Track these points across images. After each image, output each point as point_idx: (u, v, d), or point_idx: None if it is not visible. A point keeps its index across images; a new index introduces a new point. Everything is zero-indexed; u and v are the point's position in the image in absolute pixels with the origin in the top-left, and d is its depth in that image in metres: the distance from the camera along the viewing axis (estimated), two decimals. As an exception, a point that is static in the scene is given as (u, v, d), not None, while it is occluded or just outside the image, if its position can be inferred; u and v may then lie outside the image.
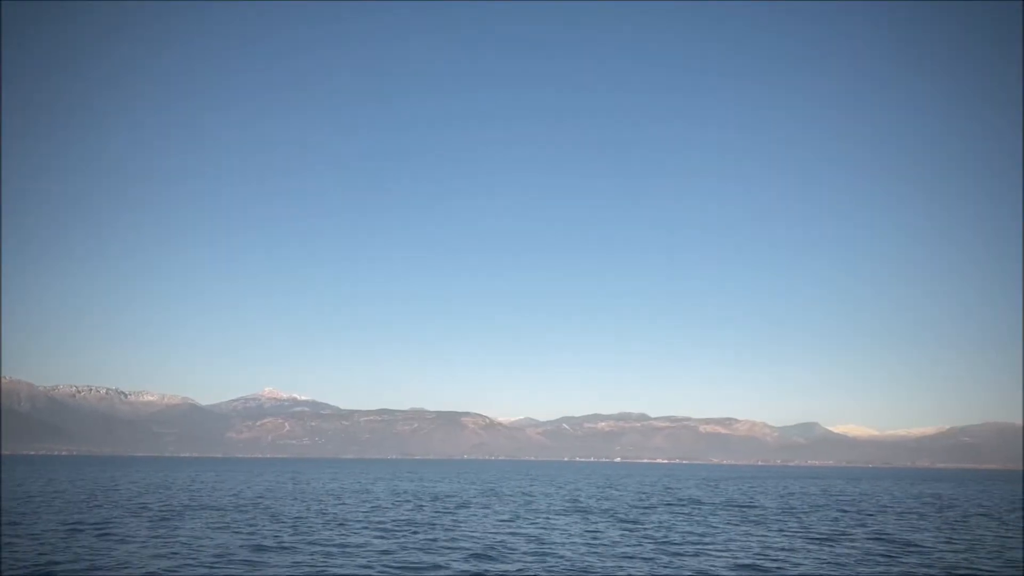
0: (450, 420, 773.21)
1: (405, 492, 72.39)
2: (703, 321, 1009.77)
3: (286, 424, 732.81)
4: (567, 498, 66.10)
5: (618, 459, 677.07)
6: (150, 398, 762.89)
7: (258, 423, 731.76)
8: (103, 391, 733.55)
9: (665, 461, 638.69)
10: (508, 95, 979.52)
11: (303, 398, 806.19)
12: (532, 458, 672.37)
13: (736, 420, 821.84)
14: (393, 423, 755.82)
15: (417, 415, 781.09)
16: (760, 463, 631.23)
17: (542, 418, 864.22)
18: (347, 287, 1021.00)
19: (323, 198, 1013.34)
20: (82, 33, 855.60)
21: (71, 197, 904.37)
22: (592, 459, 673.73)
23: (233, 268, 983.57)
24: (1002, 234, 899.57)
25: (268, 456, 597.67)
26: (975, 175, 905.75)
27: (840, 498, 75.07)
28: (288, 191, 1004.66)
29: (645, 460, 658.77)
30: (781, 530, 40.39)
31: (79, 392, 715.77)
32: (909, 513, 55.38)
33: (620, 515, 48.23)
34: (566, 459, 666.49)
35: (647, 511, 52.15)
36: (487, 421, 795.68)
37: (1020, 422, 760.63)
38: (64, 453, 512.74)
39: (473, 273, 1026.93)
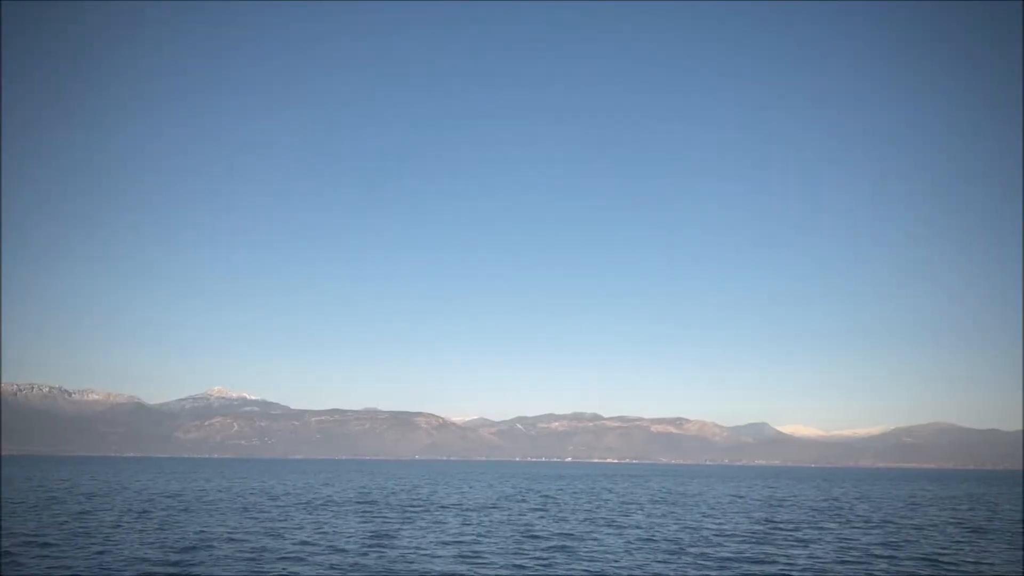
0: (403, 420, 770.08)
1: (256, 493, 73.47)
2: (660, 322, 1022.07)
3: (235, 424, 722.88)
4: (406, 498, 67.78)
5: (569, 459, 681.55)
6: (95, 397, 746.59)
7: (206, 423, 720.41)
8: (46, 389, 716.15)
9: (615, 461, 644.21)
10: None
11: (253, 398, 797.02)
12: (484, 458, 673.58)
13: (687, 420, 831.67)
14: (345, 423, 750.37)
15: (370, 415, 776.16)
16: (708, 462, 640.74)
17: (496, 418, 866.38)
18: (299, 286, 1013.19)
19: (277, 197, 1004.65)
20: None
21: (19, 193, 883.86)
22: (543, 459, 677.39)
23: (183, 265, 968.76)
24: (949, 237, 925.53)
25: (215, 456, 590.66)
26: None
27: (686, 496, 77.73)
28: (240, 190, 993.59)
29: (596, 460, 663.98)
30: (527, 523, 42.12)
31: (21, 390, 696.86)
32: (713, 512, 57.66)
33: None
34: (518, 459, 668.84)
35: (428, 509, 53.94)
36: (440, 421, 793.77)
37: (960, 422, 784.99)
38: (5, 454, 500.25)
39: (428, 273, 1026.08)
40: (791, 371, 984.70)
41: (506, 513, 47.81)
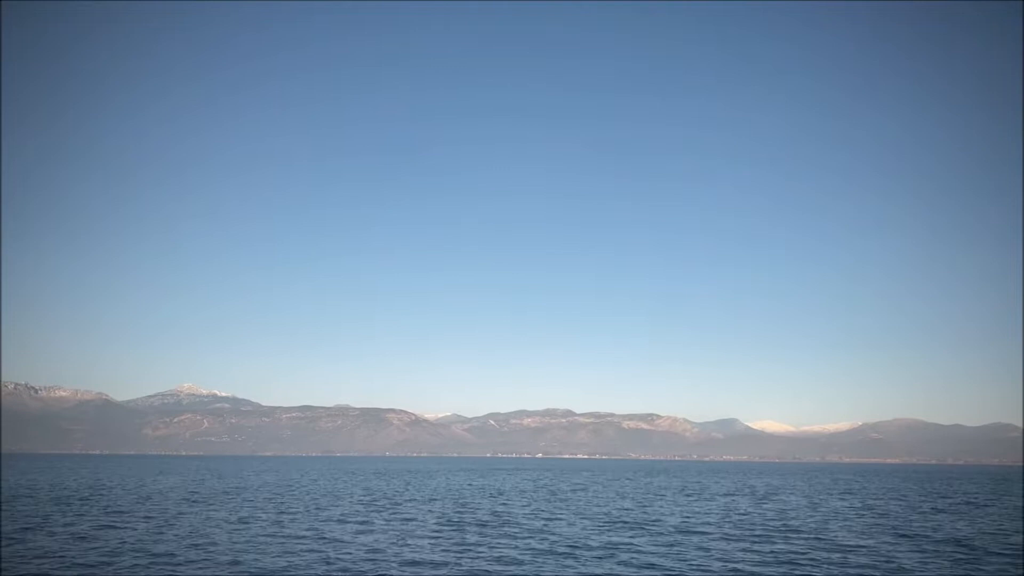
0: (375, 417, 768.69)
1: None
2: (634, 319, 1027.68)
3: (205, 421, 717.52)
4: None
5: (540, 455, 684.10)
6: (62, 394, 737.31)
7: (175, 419, 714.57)
8: (11, 386, 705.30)
9: (585, 456, 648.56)
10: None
11: (223, 394, 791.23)
12: (455, 454, 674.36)
13: (658, 416, 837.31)
14: (316, 420, 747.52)
15: (341, 412, 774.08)
16: (677, 458, 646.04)
17: (469, 414, 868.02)
18: (271, 283, 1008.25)
19: (246, 194, 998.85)
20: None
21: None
22: (514, 455, 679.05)
23: (152, 261, 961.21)
24: (919, 234, 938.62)
25: (183, 454, 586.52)
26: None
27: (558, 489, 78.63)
28: (210, 186, 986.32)
29: (567, 456, 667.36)
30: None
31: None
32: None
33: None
34: (488, 455, 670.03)
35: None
36: (412, 418, 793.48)
37: (926, 418, 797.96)
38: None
39: (401, 270, 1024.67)
40: (762, 368, 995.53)
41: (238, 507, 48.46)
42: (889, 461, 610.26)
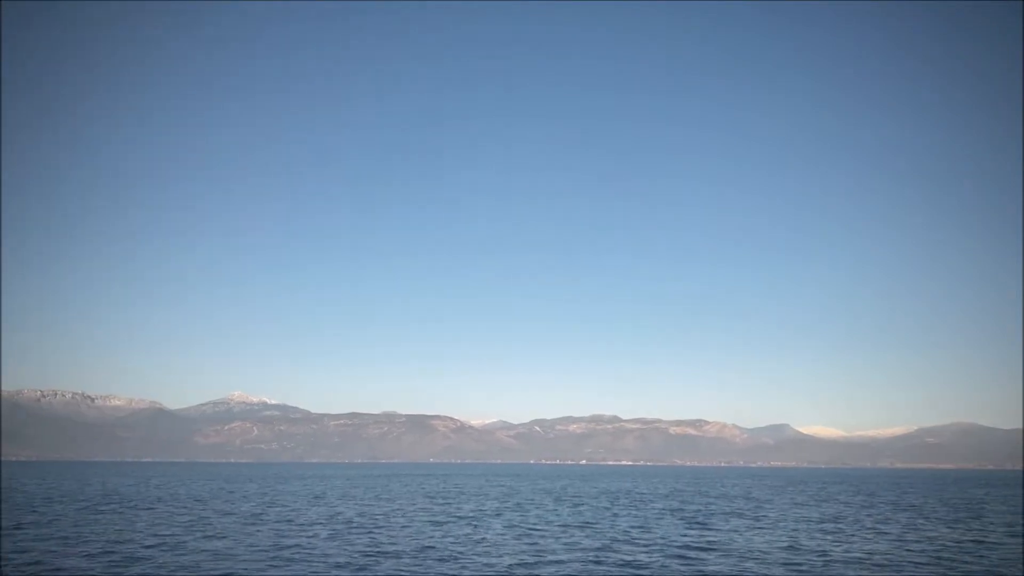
0: (420, 424, 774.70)
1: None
2: (683, 324, 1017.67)
3: (254, 428, 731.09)
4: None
5: (584, 461, 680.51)
6: (117, 402, 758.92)
7: (226, 427, 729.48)
8: (69, 395, 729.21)
9: (630, 463, 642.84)
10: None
11: (273, 402, 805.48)
12: (499, 461, 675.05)
13: (706, 422, 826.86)
14: (363, 427, 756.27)
15: (388, 419, 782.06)
16: (724, 464, 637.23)
17: (514, 421, 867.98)
18: (319, 291, 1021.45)
19: (297, 202, 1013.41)
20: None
21: (37, 197, 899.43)
22: (558, 461, 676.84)
23: (203, 271, 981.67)
24: (969, 235, 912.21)
25: (233, 460, 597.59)
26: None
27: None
28: (260, 193, 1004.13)
29: (611, 462, 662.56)
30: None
31: (44, 396, 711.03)
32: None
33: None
34: (532, 462, 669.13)
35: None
36: (458, 424, 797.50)
37: (984, 422, 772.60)
38: (23, 459, 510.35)
39: (445, 276, 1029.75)
40: (813, 372, 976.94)
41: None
42: (943, 466, 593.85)
